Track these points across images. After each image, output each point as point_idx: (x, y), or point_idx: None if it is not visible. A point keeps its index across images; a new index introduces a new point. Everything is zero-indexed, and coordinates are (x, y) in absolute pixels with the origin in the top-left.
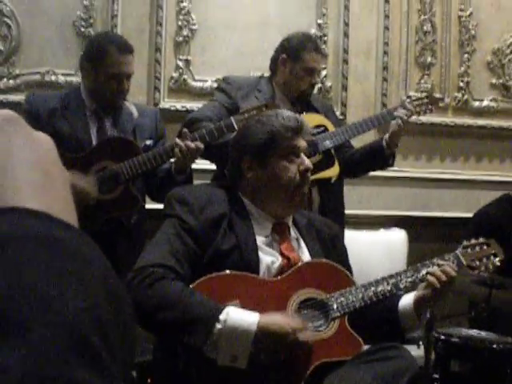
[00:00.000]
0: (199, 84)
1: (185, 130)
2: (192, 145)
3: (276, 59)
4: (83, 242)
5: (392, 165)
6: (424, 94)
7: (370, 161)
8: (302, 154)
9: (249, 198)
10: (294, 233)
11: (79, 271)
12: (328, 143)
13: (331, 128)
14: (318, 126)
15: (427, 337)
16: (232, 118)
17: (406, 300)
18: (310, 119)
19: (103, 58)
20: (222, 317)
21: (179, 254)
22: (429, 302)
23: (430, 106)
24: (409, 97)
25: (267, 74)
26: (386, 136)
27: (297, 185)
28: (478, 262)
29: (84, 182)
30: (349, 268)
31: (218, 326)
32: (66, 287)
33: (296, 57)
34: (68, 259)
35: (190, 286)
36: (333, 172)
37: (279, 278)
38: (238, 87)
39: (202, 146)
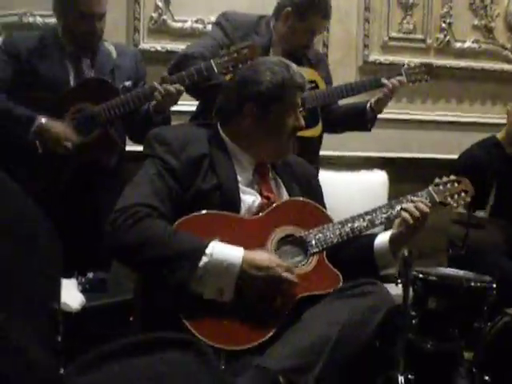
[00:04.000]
0: (179, 24)
1: (164, 73)
2: (171, 88)
3: (281, 8)
4: None
5: (370, 129)
6: (420, 63)
7: (350, 121)
8: (298, 111)
9: (234, 139)
10: (272, 174)
11: None
12: (314, 102)
13: (322, 85)
14: (309, 82)
15: (405, 275)
16: (212, 61)
17: (382, 238)
18: (304, 71)
19: None
20: (207, 251)
21: (161, 193)
22: (403, 238)
23: (426, 76)
24: (405, 65)
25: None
26: (372, 100)
27: (288, 138)
28: (449, 199)
29: (61, 126)
30: (324, 207)
31: (205, 259)
32: None
33: (301, 16)
34: None
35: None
36: (315, 131)
37: (258, 216)
38: (236, 26)
39: (182, 88)
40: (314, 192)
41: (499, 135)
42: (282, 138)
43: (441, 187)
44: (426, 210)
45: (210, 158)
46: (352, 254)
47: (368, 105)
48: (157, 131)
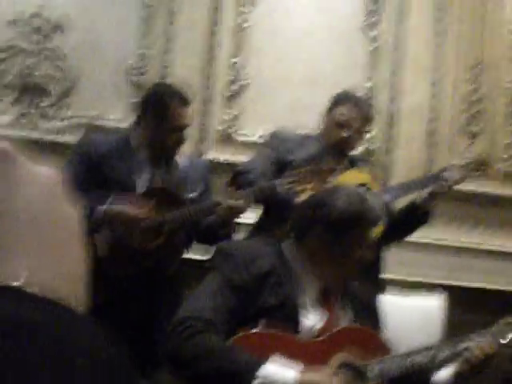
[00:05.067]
0: (247, 138)
1: (230, 188)
2: (234, 204)
3: (322, 114)
4: (64, 324)
5: (426, 221)
6: (474, 159)
7: (403, 219)
8: (367, 245)
9: (301, 259)
10: (338, 299)
11: (50, 363)
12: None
13: (375, 187)
14: (361, 185)
15: None
16: (276, 182)
17: (442, 375)
18: (355, 176)
19: (166, 111)
20: (261, 372)
21: (221, 309)
22: (465, 379)
23: (477, 173)
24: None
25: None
26: (424, 193)
27: (352, 268)
28: None
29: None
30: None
31: (257, 381)
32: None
33: (329, 110)
34: (38, 349)
35: (228, 340)
36: (377, 229)
37: (318, 339)
38: (283, 140)
39: (244, 206)
40: (378, 319)
41: None
42: (345, 267)
43: (507, 328)
44: (491, 352)
45: (274, 276)
46: None
47: (418, 198)
48: (224, 246)
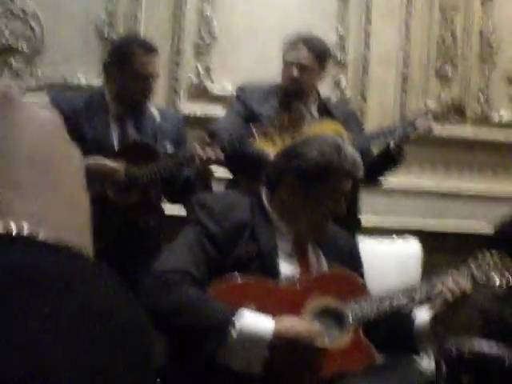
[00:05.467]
0: (219, 89)
1: (206, 139)
2: (212, 154)
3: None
4: (81, 273)
5: (400, 163)
6: (451, 103)
7: (377, 163)
8: (341, 197)
9: (276, 209)
10: (313, 246)
11: (63, 314)
12: None
13: (348, 138)
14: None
15: (439, 350)
16: (253, 129)
17: (422, 317)
18: (327, 126)
19: (130, 59)
20: (236, 323)
21: (198, 260)
22: (445, 318)
23: (455, 116)
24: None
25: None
26: (396, 138)
27: (323, 219)
28: (492, 278)
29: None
30: (363, 278)
31: (233, 332)
32: (42, 335)
33: (283, 54)
34: (54, 300)
35: (207, 287)
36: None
37: (295, 285)
38: (251, 93)
39: (222, 155)
40: (354, 262)
41: None
42: (315, 217)
43: (483, 265)
44: (468, 288)
45: (251, 225)
46: (390, 330)
47: (393, 144)
48: (200, 196)
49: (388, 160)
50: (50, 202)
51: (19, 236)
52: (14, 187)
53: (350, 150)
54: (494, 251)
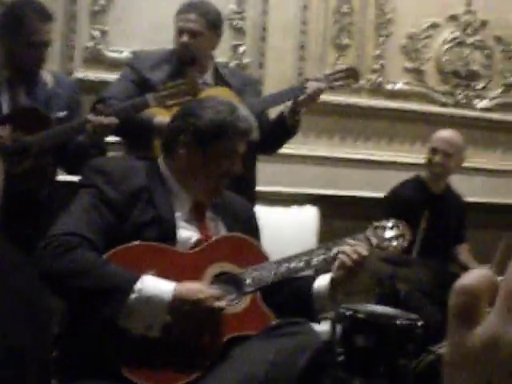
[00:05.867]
0: (115, 54)
1: (99, 105)
2: (105, 120)
3: None
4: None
5: (295, 133)
6: (344, 68)
7: (273, 132)
8: (236, 157)
9: (173, 174)
10: (211, 212)
11: None
12: None
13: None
14: None
15: (335, 312)
16: (148, 96)
17: (321, 282)
18: (217, 93)
19: (23, 25)
20: (136, 286)
21: (95, 224)
22: (342, 282)
23: (350, 80)
24: (330, 74)
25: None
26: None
27: (218, 180)
28: (386, 243)
29: None
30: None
31: (133, 295)
32: None
33: (175, 20)
34: None
35: (104, 256)
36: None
37: (194, 250)
38: (144, 59)
39: (115, 121)
40: (252, 230)
41: (424, 174)
42: (212, 178)
43: (378, 231)
44: (364, 253)
45: (148, 191)
46: (289, 297)
47: (286, 110)
48: (96, 161)
49: (283, 128)
50: None
51: None
52: None
53: (245, 112)
54: (391, 220)
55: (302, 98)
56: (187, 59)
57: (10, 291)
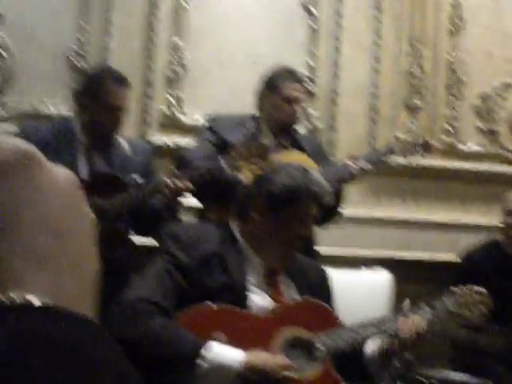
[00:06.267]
0: (190, 120)
1: (173, 168)
2: (180, 183)
3: (258, 94)
4: (88, 339)
5: (339, 207)
6: (420, 140)
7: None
8: (309, 221)
9: (246, 238)
10: (284, 277)
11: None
12: None
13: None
14: None
15: (405, 378)
16: (221, 159)
17: (371, 346)
18: (292, 157)
19: (100, 90)
20: (205, 354)
21: (167, 290)
22: (394, 353)
23: (420, 150)
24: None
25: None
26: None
27: (291, 244)
28: (465, 310)
29: None
30: (334, 309)
31: (201, 363)
32: None
33: (274, 87)
34: (64, 365)
35: (175, 316)
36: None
37: (266, 314)
38: (222, 122)
39: (190, 185)
40: (325, 294)
41: (499, 236)
42: (285, 243)
43: (457, 297)
44: (420, 330)
45: (220, 256)
46: (347, 357)
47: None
48: (169, 227)
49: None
50: (60, 268)
51: (30, 306)
52: (29, 257)
53: (317, 175)
54: (470, 286)
55: (348, 177)
56: (288, 126)
57: (93, 365)
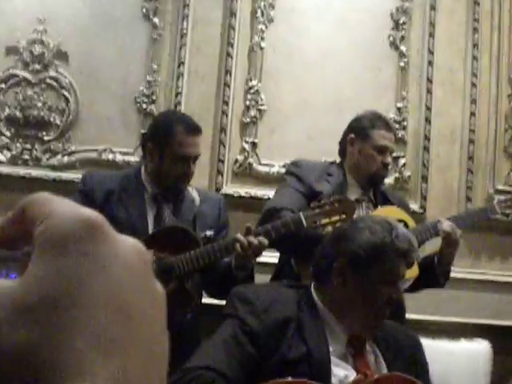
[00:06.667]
0: (266, 169)
1: (248, 224)
2: (255, 241)
3: (344, 141)
4: None
5: (443, 285)
6: None
7: (421, 276)
8: (399, 282)
9: (326, 303)
10: (370, 346)
11: None
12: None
13: (412, 224)
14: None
15: None
16: (301, 214)
17: None
18: (388, 213)
19: (170, 138)
20: None
21: (233, 358)
22: None
23: None
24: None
25: (338, 160)
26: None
27: (380, 309)
28: None
29: None
30: None
31: None
32: None
33: (365, 135)
34: None
35: None
36: (412, 272)
37: None
38: (308, 170)
39: (266, 242)
40: (417, 368)
41: None
42: (373, 309)
43: None
44: None
45: (297, 322)
46: None
47: (435, 258)
48: (240, 289)
49: (429, 276)
50: (128, 354)
51: None
52: (93, 342)
53: (403, 229)
54: None
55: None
56: (378, 179)
57: None
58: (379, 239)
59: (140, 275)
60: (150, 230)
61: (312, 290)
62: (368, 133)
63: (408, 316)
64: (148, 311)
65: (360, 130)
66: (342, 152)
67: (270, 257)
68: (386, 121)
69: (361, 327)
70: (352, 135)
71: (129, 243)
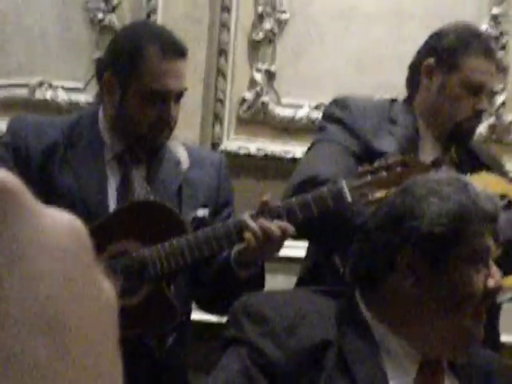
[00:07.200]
0: (289, 112)
1: (264, 198)
2: (272, 227)
3: (416, 69)
4: None
5: None
6: None
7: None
8: (490, 260)
9: (383, 317)
10: (448, 377)
11: None
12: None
13: None
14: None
15: None
16: (344, 183)
17: None
18: (483, 183)
19: (138, 64)
20: None
21: None
22: None
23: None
24: None
25: (401, 96)
26: None
27: (477, 312)
28: None
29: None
30: None
31: None
32: None
33: (452, 63)
34: None
35: None
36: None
37: None
38: (361, 114)
39: (290, 228)
40: None
41: None
42: (468, 308)
43: None
44: None
45: (338, 347)
46: None
47: None
48: (249, 300)
49: None
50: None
51: None
52: (8, 373)
53: (480, 188)
54: None
55: None
56: (469, 133)
57: None
58: (455, 206)
59: (79, 270)
60: (112, 206)
61: (358, 298)
62: (457, 60)
63: (504, 339)
64: (91, 327)
65: (444, 54)
66: (412, 85)
67: (293, 248)
68: (487, 42)
69: (437, 345)
70: (431, 60)
71: (61, 221)
